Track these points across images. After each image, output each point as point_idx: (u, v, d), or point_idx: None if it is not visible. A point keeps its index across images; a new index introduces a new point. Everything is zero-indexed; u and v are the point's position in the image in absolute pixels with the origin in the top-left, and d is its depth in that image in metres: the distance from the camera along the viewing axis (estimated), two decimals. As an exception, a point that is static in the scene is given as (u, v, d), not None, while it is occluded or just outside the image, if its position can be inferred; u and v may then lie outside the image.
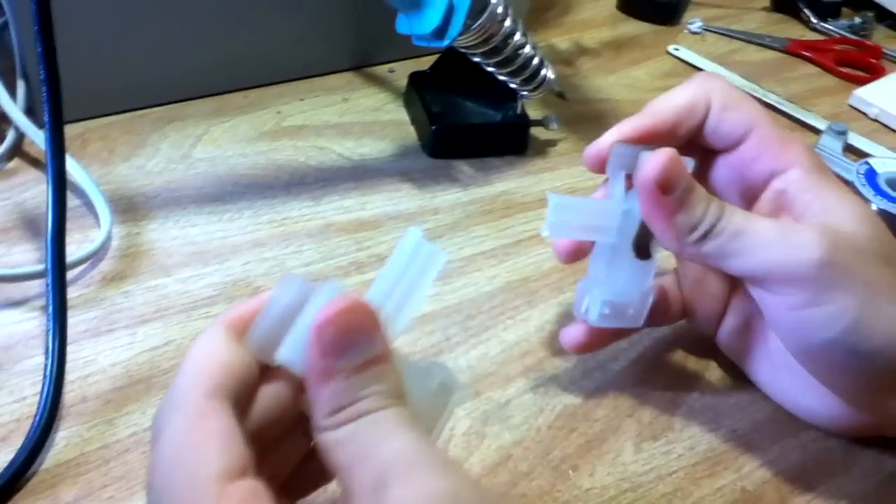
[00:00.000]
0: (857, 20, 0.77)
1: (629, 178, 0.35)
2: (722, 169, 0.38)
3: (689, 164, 0.35)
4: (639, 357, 0.42)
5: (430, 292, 0.37)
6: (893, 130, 0.63)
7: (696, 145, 0.38)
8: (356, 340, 0.24)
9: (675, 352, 0.42)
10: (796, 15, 0.77)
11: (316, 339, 0.24)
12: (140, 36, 0.50)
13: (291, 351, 0.25)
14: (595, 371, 0.41)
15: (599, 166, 0.36)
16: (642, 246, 0.36)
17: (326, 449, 0.24)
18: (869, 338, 0.33)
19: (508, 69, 0.49)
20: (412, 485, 0.22)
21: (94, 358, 0.37)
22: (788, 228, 0.33)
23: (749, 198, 0.37)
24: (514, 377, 0.40)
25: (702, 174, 0.39)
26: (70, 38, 0.39)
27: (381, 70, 0.60)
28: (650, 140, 0.36)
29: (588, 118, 0.59)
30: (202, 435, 0.23)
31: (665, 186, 0.33)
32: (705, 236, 0.33)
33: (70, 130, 0.38)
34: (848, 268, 0.33)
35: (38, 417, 0.33)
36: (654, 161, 0.33)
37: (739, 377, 0.41)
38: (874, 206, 0.48)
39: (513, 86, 0.51)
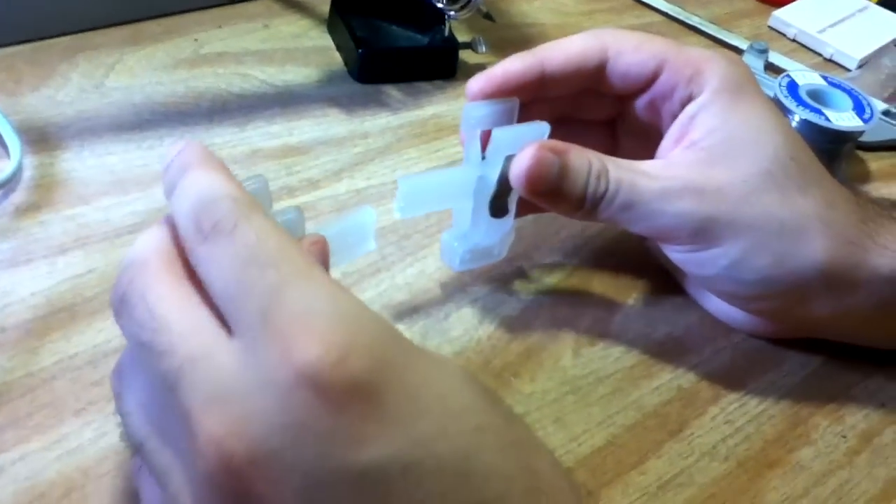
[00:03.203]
0: (774, -54, 0.77)
1: (488, 135, 0.35)
2: (642, 110, 0.38)
3: (544, 129, 0.36)
4: (575, 269, 0.42)
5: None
6: (811, 50, 0.65)
7: (605, 93, 0.38)
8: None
9: (610, 262, 0.42)
10: (715, -58, 0.78)
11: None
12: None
13: None
14: (532, 283, 0.41)
15: (481, 97, 0.36)
16: (499, 206, 0.36)
17: None
18: (753, 270, 0.35)
19: (434, -13, 0.48)
20: None
21: (12, 288, 0.35)
22: (671, 194, 0.34)
23: (667, 128, 0.37)
24: (452, 292, 0.39)
25: (624, 119, 0.39)
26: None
27: (302, -4, 0.58)
28: (535, 86, 0.37)
29: (515, 42, 0.58)
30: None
31: (536, 187, 0.34)
32: (594, 209, 0.35)
33: (-31, 59, 0.35)
34: (729, 221, 0.34)
35: (-47, 348, 0.31)
36: (519, 166, 0.34)
37: (672, 284, 0.42)
38: (797, 117, 0.49)
39: (439, 6, 0.50)
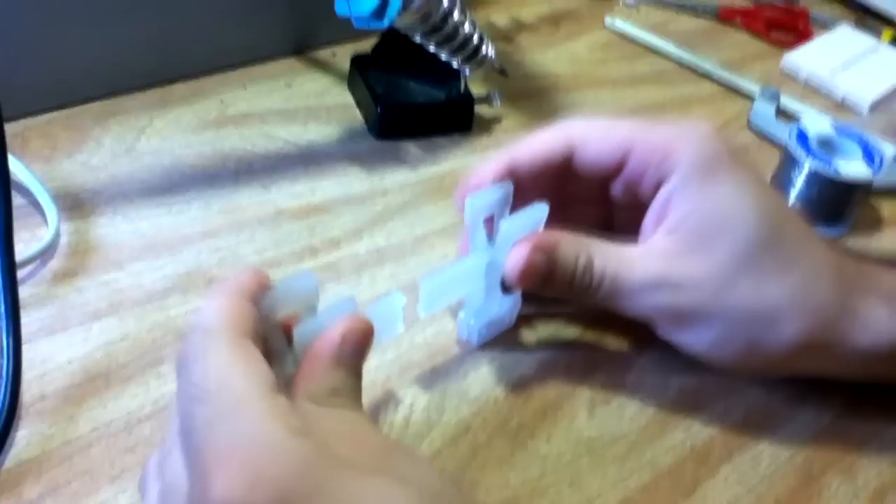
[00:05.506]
0: (786, -14, 0.79)
1: (489, 220, 0.38)
2: (618, 189, 0.40)
3: (542, 211, 0.38)
4: (589, 327, 0.43)
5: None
6: (823, 92, 0.66)
7: (582, 176, 0.39)
8: (365, 349, 0.31)
9: (624, 319, 0.43)
10: (727, -17, 0.79)
11: (344, 333, 0.30)
12: (73, 28, 0.49)
13: (304, 332, 0.31)
14: (548, 342, 0.42)
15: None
16: (508, 286, 0.39)
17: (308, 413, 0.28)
18: (728, 352, 0.37)
19: (449, 47, 0.50)
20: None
21: (50, 356, 0.37)
22: (649, 287, 0.36)
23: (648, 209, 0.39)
24: (471, 352, 0.41)
25: (606, 197, 0.41)
26: (1, 33, 0.38)
27: (324, 54, 0.60)
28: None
29: (530, 93, 0.60)
30: (248, 359, 0.27)
31: (527, 284, 0.37)
32: (580, 296, 0.37)
33: (9, 129, 0.37)
34: (702, 312, 0.36)
35: (-4, 418, 0.33)
36: (512, 266, 0.36)
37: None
38: (807, 167, 0.50)
39: (454, 64, 0.52)
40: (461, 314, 0.40)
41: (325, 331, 0.30)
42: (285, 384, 0.29)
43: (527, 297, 0.41)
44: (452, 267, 0.38)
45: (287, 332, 0.31)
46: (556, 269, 0.36)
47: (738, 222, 0.35)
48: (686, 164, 0.36)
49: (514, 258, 0.36)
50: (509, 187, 0.38)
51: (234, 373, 0.26)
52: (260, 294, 0.30)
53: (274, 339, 0.30)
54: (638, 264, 0.36)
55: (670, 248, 0.36)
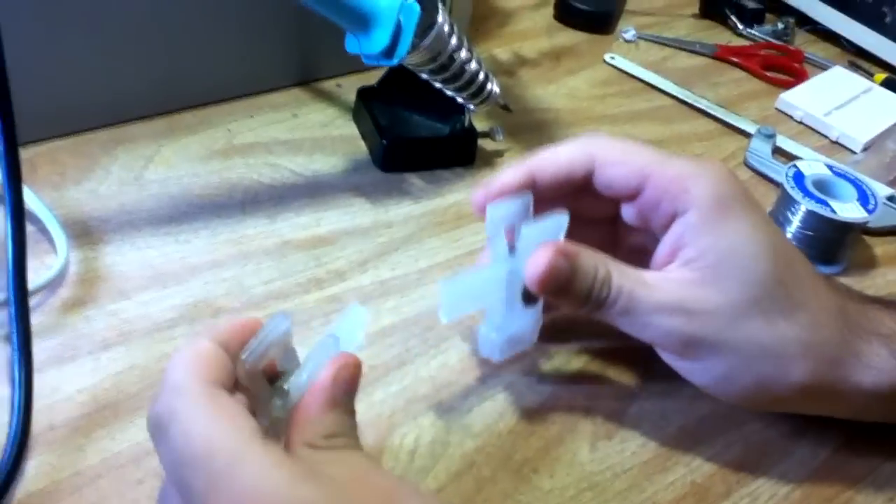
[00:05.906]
0: (780, 26, 0.80)
1: (510, 230, 0.38)
2: (630, 213, 0.40)
3: (563, 220, 0.38)
4: (591, 361, 0.44)
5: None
6: (817, 132, 0.67)
7: (595, 194, 0.40)
8: (355, 385, 0.31)
9: (625, 353, 0.44)
10: (723, 21, 0.81)
11: (335, 375, 0.30)
12: (84, 56, 0.50)
13: (295, 384, 0.31)
14: (550, 375, 0.42)
15: (484, 209, 0.39)
16: (532, 294, 0.38)
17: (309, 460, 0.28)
18: (737, 387, 0.37)
19: (455, 85, 0.51)
20: None
21: (60, 385, 0.37)
22: (664, 310, 0.36)
23: (659, 236, 0.39)
24: (474, 385, 0.41)
25: (615, 218, 0.41)
26: (11, 60, 0.38)
27: (329, 85, 0.61)
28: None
29: (531, 128, 0.61)
30: (226, 412, 0.27)
31: (547, 287, 0.36)
32: (595, 310, 0.37)
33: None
34: (714, 342, 0.36)
35: (7, 449, 0.33)
36: (534, 268, 0.36)
37: (685, 375, 0.43)
38: (803, 208, 0.51)
39: (460, 100, 0.52)
40: (482, 328, 0.40)
41: (314, 377, 0.30)
42: (273, 431, 0.30)
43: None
44: (472, 273, 0.38)
45: (266, 373, 0.31)
46: (575, 278, 0.36)
47: (755, 260, 0.36)
48: (704, 201, 0.36)
49: (536, 260, 0.36)
50: (529, 198, 0.38)
51: (217, 429, 0.26)
52: (239, 343, 0.30)
53: (256, 387, 0.30)
54: (655, 287, 0.36)
55: (687, 277, 0.36)
